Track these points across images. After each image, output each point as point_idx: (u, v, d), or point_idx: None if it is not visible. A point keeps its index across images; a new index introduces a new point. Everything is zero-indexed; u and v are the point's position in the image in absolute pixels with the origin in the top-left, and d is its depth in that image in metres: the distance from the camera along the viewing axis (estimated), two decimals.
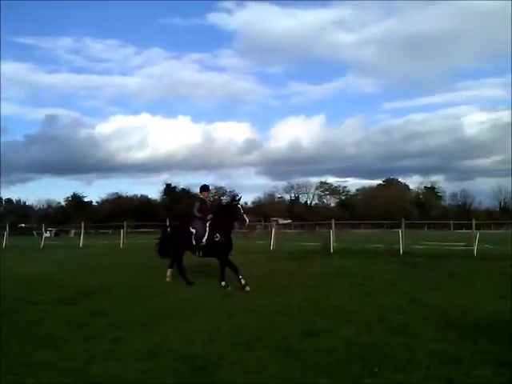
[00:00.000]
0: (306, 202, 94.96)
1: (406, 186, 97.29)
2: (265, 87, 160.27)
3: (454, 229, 43.84)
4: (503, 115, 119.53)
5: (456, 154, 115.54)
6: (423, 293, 9.41)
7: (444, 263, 15.99)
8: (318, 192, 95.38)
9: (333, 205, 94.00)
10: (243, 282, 9.73)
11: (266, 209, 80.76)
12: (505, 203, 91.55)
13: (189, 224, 10.97)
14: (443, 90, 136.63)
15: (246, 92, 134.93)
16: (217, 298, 8.97)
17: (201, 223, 10.59)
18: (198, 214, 10.72)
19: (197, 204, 10.94)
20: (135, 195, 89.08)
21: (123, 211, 68.78)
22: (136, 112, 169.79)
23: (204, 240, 10.42)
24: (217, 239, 10.28)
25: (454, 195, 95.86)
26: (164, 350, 5.54)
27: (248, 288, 9.60)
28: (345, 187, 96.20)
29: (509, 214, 76.16)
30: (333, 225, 23.27)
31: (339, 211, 77.85)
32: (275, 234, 23.96)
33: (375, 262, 16.63)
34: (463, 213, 76.20)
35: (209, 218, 10.59)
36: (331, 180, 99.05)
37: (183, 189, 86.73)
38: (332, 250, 21.35)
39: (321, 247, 22.17)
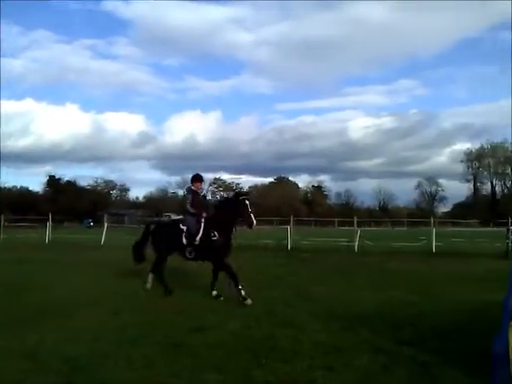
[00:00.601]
0: None
1: (296, 185, 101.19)
2: (160, 79, 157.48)
3: (338, 226, 46.27)
4: (386, 121, 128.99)
5: (341, 156, 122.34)
6: (310, 286, 9.82)
7: (328, 258, 16.83)
8: (211, 188, 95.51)
9: None
10: (243, 293, 8.10)
11: (158, 204, 79.38)
12: (384, 203, 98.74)
13: (178, 221, 9.44)
14: (332, 94, 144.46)
15: (140, 83, 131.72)
16: (101, 296, 8.60)
17: (193, 219, 8.90)
18: (191, 210, 8.92)
19: (189, 197, 9.19)
20: (14, 186, 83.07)
21: (0, 203, 63.56)
22: (19, 97, 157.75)
23: (198, 238, 8.71)
24: (214, 238, 8.58)
25: (338, 194, 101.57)
26: (45, 349, 5.22)
27: (249, 301, 7.90)
28: (238, 184, 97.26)
29: (387, 213, 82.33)
30: None
31: None
32: None
33: (265, 257, 17.10)
34: (346, 211, 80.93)
35: (204, 215, 8.86)
36: (225, 177, 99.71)
37: (68, 181, 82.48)
38: None
39: None
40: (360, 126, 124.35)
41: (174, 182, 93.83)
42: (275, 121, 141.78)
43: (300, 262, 15.38)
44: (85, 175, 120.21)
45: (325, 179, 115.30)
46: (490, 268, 12.59)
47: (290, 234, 22.11)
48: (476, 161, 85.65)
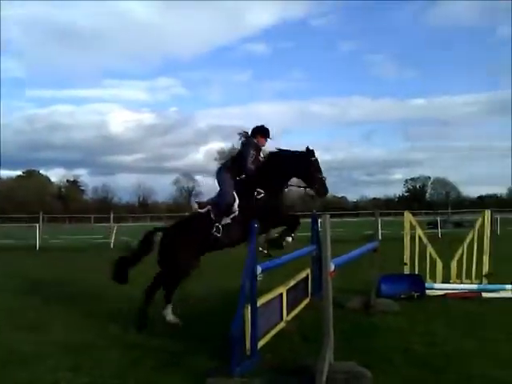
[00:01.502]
0: None
1: (48, 179, 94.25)
2: None
3: (95, 222, 44.87)
4: (146, 117, 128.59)
5: (100, 150, 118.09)
6: (61, 287, 9.41)
7: (82, 256, 16.49)
8: None
9: None
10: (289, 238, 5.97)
11: None
12: (143, 198, 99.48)
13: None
14: (92, 85, 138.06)
15: None
16: None
17: (230, 182, 6.10)
18: (252, 166, 6.06)
19: (251, 152, 6.13)
20: None
21: None
22: None
23: (235, 206, 5.94)
24: (259, 196, 5.99)
25: (96, 189, 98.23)
26: None
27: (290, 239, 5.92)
28: None
29: (146, 208, 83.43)
30: None
31: None
32: None
33: (16, 258, 16.20)
34: (105, 207, 78.85)
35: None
36: None
37: None
38: None
39: None
40: (120, 120, 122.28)
41: None
42: (25, 108, 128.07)
43: (52, 262, 14.68)
44: None
45: (82, 173, 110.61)
46: (237, 256, 13.76)
47: (39, 232, 21.23)
48: None
